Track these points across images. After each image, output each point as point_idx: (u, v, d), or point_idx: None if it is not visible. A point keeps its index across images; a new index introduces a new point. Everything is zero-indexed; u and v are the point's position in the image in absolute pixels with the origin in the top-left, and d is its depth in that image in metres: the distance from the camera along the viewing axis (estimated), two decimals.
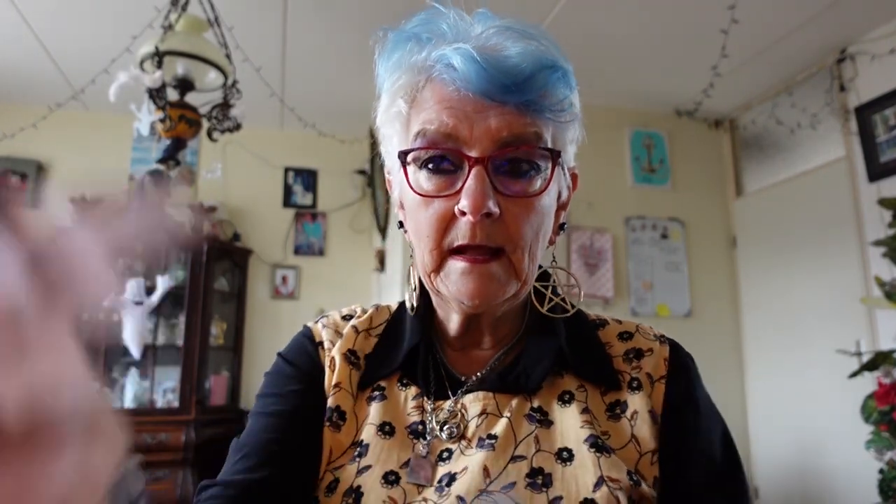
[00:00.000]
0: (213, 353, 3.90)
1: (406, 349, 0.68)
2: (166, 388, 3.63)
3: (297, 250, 4.30)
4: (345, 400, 0.67)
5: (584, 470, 0.58)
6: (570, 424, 0.62)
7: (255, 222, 4.24)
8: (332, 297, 4.28)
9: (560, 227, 0.70)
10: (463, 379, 0.68)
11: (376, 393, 0.67)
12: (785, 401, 3.51)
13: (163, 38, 2.23)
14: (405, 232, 0.69)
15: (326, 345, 0.71)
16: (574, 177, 0.71)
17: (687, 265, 3.88)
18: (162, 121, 2.22)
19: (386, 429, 0.65)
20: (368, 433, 0.65)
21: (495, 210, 0.58)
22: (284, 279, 4.25)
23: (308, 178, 4.37)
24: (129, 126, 3.64)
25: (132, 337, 3.57)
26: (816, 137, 3.44)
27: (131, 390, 3.54)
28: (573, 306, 0.69)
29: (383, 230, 3.95)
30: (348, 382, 0.68)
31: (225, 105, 2.41)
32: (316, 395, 0.68)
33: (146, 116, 2.18)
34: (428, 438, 0.64)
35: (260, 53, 3.16)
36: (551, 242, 0.68)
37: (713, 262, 3.95)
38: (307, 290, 4.29)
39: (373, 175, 4.11)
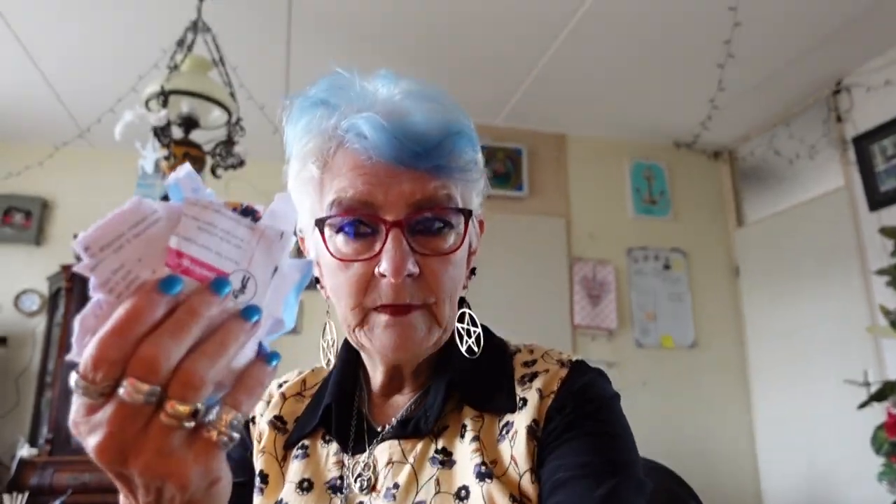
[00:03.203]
0: None
1: (323, 407, 0.71)
2: None
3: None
4: (269, 464, 0.71)
5: (476, 502, 0.60)
6: (465, 459, 0.63)
7: None
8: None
9: (471, 272, 0.73)
10: (379, 429, 0.70)
11: (299, 451, 0.71)
12: (793, 432, 3.46)
13: (168, 77, 2.27)
14: (321, 288, 0.70)
15: (257, 418, 0.76)
16: (481, 223, 0.75)
17: (690, 295, 3.87)
18: (166, 158, 2.25)
19: (304, 485, 0.67)
20: (288, 491, 0.68)
21: (415, 270, 0.60)
22: None
23: None
24: (134, 163, 3.66)
25: None
26: (815, 167, 3.46)
27: None
28: (491, 343, 0.72)
29: None
30: (272, 446, 0.72)
31: (229, 142, 2.43)
32: (248, 483, 0.72)
33: (151, 154, 2.20)
34: (344, 492, 0.66)
35: (264, 91, 3.21)
36: (464, 287, 0.71)
37: (716, 291, 3.93)
38: (310, 325, 4.27)
39: None
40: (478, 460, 0.61)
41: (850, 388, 2.94)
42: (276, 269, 0.38)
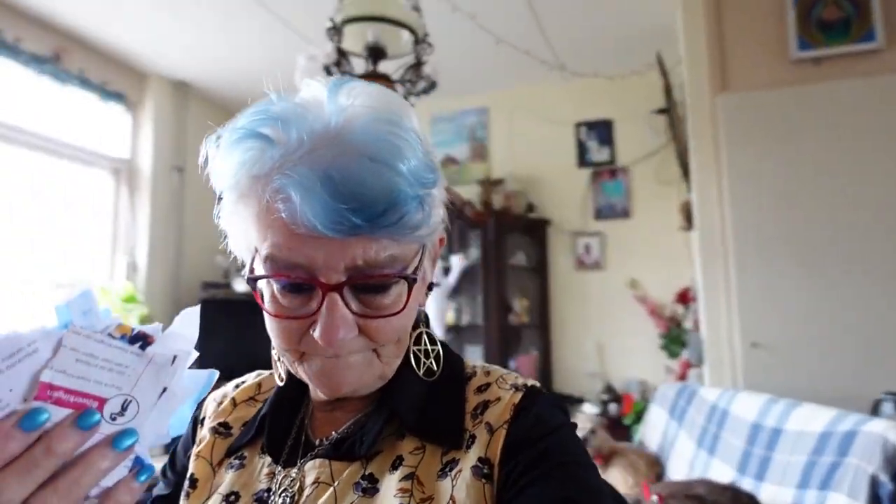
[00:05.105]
0: (519, 332, 3.76)
1: (260, 415, 0.70)
2: None
3: (599, 214, 3.81)
4: (202, 468, 0.69)
5: None
6: (389, 494, 0.59)
7: (548, 189, 3.90)
8: (644, 264, 3.67)
9: (428, 288, 0.66)
10: (317, 442, 0.67)
11: (236, 461, 0.69)
12: None
13: (339, 6, 2.09)
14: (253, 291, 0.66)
15: (206, 421, 0.74)
16: (441, 240, 0.66)
17: None
18: None
19: (231, 498, 0.66)
20: (215, 501, 0.66)
21: (351, 335, 0.56)
22: (587, 248, 3.81)
23: (602, 131, 3.81)
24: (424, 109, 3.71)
25: (434, 319, 3.65)
26: None
27: None
28: (448, 363, 0.67)
29: (688, 177, 3.18)
30: (209, 452, 0.71)
31: (417, 65, 2.14)
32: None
33: None
34: None
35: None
36: (421, 305, 0.66)
37: None
38: (614, 259, 3.77)
39: (672, 112, 3.35)
40: (402, 500, 0.57)
41: None
42: (164, 390, 0.40)
